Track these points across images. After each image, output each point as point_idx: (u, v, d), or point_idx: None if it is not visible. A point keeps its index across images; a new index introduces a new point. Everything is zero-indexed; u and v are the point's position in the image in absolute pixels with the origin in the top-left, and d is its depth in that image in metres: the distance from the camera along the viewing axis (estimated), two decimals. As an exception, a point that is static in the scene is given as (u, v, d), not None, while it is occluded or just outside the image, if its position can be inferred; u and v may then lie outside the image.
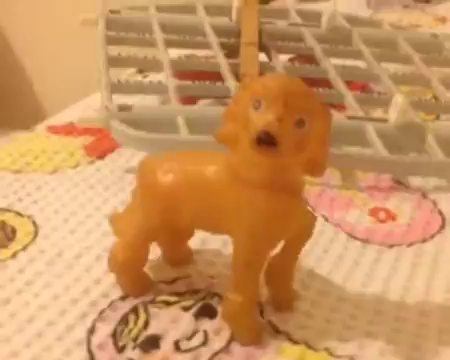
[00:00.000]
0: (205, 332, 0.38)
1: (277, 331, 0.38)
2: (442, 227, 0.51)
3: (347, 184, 0.56)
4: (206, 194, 0.36)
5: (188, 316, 0.39)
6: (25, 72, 1.69)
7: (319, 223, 0.50)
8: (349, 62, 0.71)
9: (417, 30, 0.94)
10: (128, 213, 0.42)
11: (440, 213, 0.53)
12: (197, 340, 0.37)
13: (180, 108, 0.57)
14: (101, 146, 0.62)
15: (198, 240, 0.45)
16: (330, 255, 0.47)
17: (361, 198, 0.55)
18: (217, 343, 0.37)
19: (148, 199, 0.39)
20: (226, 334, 0.38)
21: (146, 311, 0.39)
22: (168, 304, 0.40)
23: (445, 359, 0.37)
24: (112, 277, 0.42)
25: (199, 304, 0.40)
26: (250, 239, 0.35)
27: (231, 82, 0.61)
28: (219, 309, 0.39)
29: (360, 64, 0.70)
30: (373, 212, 0.53)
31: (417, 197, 0.55)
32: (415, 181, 0.57)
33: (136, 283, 0.41)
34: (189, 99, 0.62)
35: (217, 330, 0.38)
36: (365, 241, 0.49)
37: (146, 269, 0.42)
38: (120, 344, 0.37)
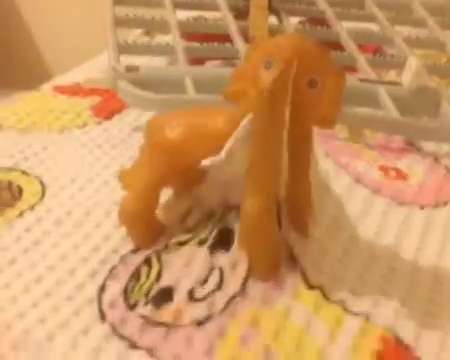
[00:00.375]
0: (220, 270, 0.37)
1: (293, 267, 0.38)
2: (456, 194, 0.50)
3: (354, 138, 0.55)
4: (213, 141, 0.36)
5: (203, 254, 0.38)
6: (30, 32, 1.68)
7: (320, 157, 0.48)
8: (362, 26, 0.70)
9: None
10: (136, 168, 0.41)
11: (453, 180, 0.52)
12: (212, 283, 0.37)
13: (188, 68, 0.57)
14: (108, 107, 0.61)
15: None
16: (336, 193, 0.46)
17: (370, 155, 0.54)
18: (232, 285, 0.37)
19: (156, 154, 0.39)
20: (242, 271, 0.37)
21: (159, 260, 0.39)
22: (182, 244, 0.39)
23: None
24: (123, 231, 0.41)
25: (214, 233, 0.39)
26: None
27: (240, 43, 0.60)
28: (236, 233, 0.39)
29: (373, 28, 0.70)
30: (383, 169, 0.52)
31: (429, 160, 0.54)
32: (428, 145, 0.56)
33: (148, 232, 0.40)
34: (197, 60, 0.61)
35: (233, 265, 0.37)
36: (374, 191, 0.48)
37: (157, 213, 0.41)
38: (131, 301, 0.36)
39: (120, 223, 0.41)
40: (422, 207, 0.48)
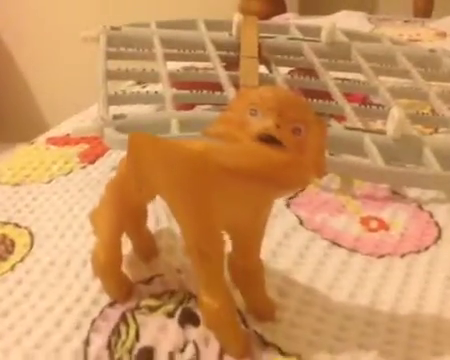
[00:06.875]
0: (195, 343, 0.38)
1: (265, 343, 0.38)
2: (438, 238, 0.50)
3: (343, 189, 0.56)
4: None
5: (174, 325, 0.39)
6: (28, 88, 1.71)
7: (291, 225, 0.49)
8: (348, 76, 0.71)
9: (416, 44, 0.94)
10: (100, 206, 0.42)
11: (436, 224, 0.52)
12: (189, 352, 0.37)
13: (174, 113, 0.58)
14: (94, 152, 0.63)
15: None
16: (308, 261, 0.46)
17: (354, 205, 0.54)
18: (209, 356, 0.37)
19: (111, 186, 0.40)
20: (216, 346, 0.37)
21: (134, 319, 0.39)
22: (152, 310, 0.40)
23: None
24: (99, 282, 0.41)
25: (180, 309, 0.40)
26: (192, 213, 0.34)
27: (230, 91, 0.61)
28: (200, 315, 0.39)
29: (360, 78, 0.71)
30: (364, 221, 0.52)
31: (413, 207, 0.54)
32: (412, 192, 0.57)
33: (120, 286, 0.41)
34: (186, 106, 0.62)
35: (206, 340, 0.38)
36: (351, 250, 0.48)
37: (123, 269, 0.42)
38: (116, 356, 0.37)
39: (94, 274, 0.41)
40: (403, 255, 0.48)
